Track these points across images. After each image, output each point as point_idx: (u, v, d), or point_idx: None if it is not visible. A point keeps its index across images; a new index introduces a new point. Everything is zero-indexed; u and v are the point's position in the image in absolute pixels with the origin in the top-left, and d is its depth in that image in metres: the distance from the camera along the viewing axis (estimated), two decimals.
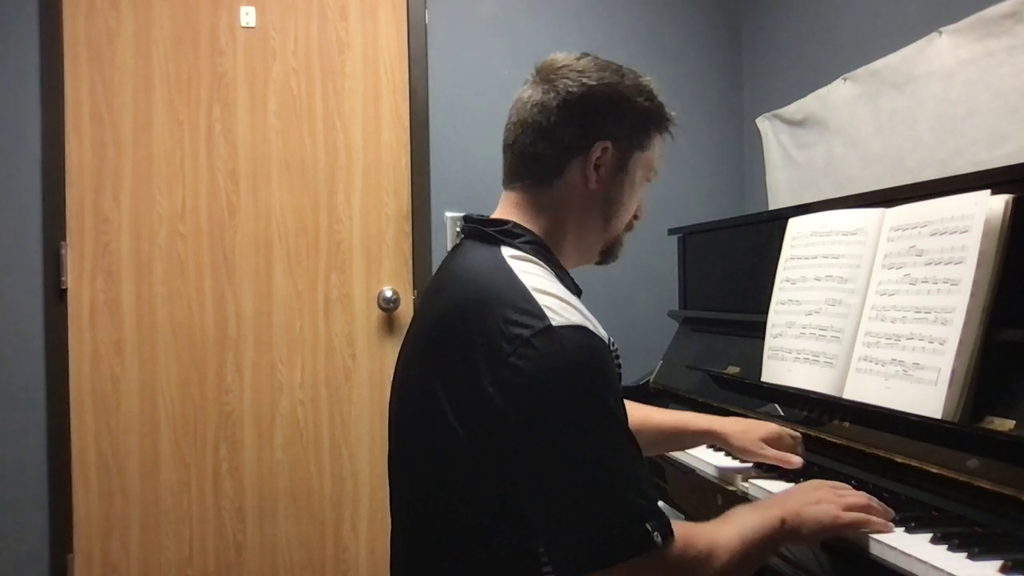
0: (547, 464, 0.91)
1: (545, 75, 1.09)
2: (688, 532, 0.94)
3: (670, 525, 0.92)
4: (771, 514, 1.02)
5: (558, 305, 0.95)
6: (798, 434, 1.44)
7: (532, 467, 0.91)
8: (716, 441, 1.48)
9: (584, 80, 1.07)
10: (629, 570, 0.89)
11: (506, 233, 1.07)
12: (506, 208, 1.12)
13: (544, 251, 1.08)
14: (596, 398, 0.92)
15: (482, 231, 1.08)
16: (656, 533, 0.90)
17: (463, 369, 0.94)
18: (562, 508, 0.90)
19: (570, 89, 1.06)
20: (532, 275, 1.00)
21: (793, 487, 1.20)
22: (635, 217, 1.18)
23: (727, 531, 0.98)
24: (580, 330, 0.94)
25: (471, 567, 0.99)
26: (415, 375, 1.05)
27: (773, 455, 1.38)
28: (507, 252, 1.04)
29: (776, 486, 1.32)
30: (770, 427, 1.43)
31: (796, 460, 1.39)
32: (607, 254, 1.19)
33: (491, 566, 0.99)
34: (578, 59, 1.10)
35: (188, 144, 2.53)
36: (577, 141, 1.07)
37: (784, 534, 1.01)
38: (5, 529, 2.36)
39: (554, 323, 0.92)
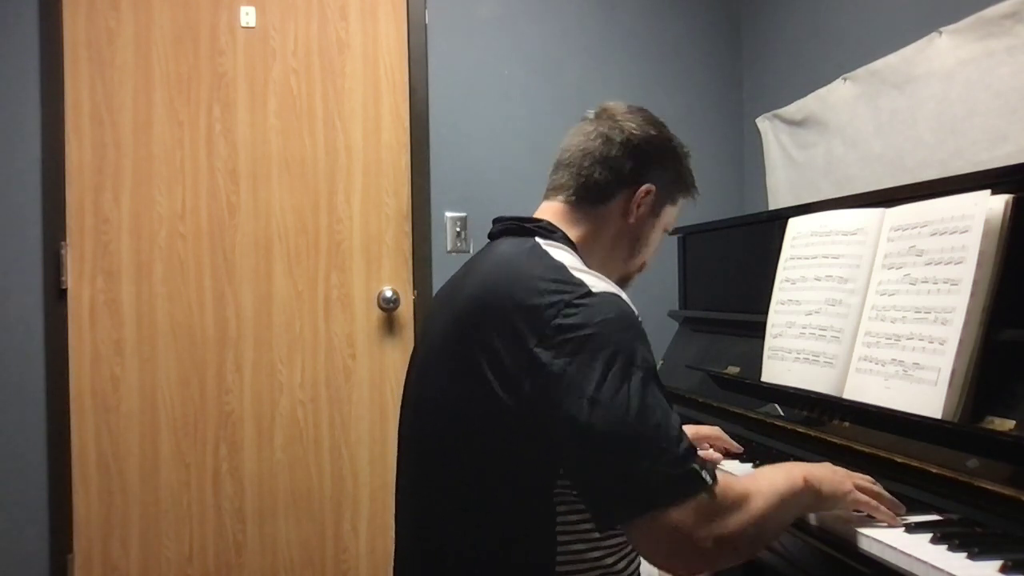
0: (596, 410, 0.91)
1: (610, 115, 1.19)
2: (725, 478, 0.96)
3: (712, 466, 0.94)
4: (794, 473, 1.05)
5: (595, 279, 1.02)
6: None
7: (581, 415, 0.91)
8: None
9: (647, 128, 1.19)
10: (683, 510, 0.89)
11: (542, 228, 1.13)
12: (545, 213, 1.18)
13: (576, 252, 1.12)
14: (638, 346, 0.96)
15: (518, 226, 1.14)
16: (704, 472, 0.92)
17: (507, 339, 0.97)
18: (614, 453, 0.91)
19: (633, 131, 1.17)
20: (568, 257, 1.07)
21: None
22: (643, 264, 1.28)
23: (758, 482, 1.01)
24: (618, 296, 1.01)
25: (490, 537, 1.01)
26: (449, 357, 1.06)
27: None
28: (542, 241, 1.09)
29: None
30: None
31: (716, 456, 1.45)
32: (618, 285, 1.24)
33: (512, 535, 1.01)
34: (637, 109, 1.21)
35: (188, 144, 2.53)
36: (630, 176, 1.17)
37: (807, 493, 1.04)
38: (5, 529, 2.36)
39: (594, 289, 0.99)
